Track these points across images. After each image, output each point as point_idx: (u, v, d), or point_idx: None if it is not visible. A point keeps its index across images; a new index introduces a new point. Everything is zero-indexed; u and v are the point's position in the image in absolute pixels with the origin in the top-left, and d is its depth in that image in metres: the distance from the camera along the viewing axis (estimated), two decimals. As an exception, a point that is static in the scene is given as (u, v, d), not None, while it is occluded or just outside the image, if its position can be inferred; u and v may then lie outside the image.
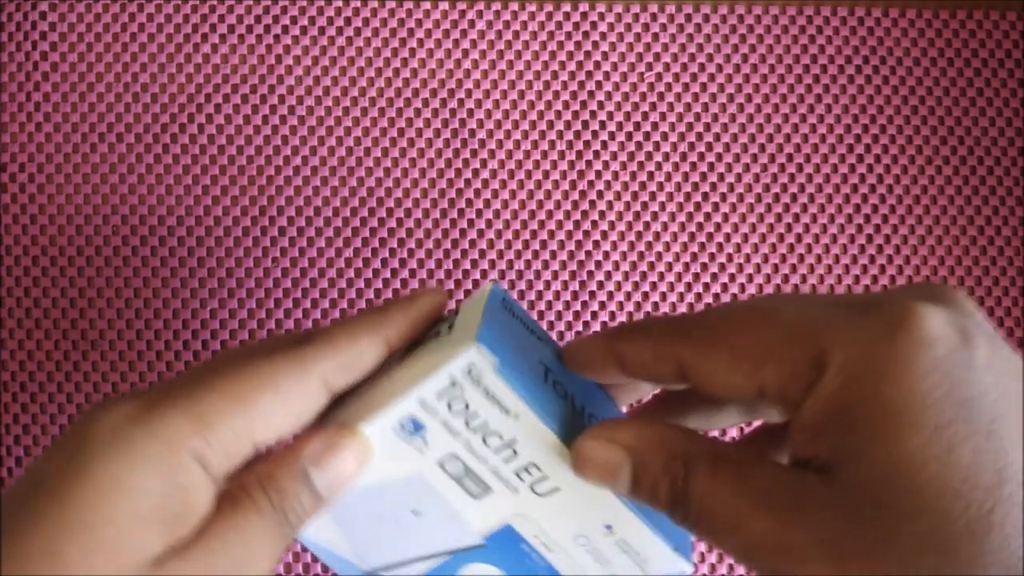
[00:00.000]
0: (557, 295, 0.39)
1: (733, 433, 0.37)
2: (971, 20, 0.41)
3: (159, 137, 0.39)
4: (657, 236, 0.39)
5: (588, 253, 0.39)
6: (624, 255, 0.39)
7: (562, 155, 0.39)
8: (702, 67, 0.40)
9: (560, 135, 0.39)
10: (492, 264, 0.39)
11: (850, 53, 0.41)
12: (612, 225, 0.39)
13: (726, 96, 0.40)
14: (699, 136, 0.40)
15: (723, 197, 0.40)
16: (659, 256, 0.39)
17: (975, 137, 0.40)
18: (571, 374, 0.25)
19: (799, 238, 0.40)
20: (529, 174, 0.39)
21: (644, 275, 0.39)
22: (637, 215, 0.39)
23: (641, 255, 0.39)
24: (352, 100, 0.39)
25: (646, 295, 0.39)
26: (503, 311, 0.24)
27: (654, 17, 0.40)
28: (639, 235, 0.39)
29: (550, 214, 0.39)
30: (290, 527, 0.22)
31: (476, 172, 0.39)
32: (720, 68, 0.40)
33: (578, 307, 0.39)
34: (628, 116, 0.40)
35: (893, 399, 0.18)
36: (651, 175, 0.40)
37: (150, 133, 0.39)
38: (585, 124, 0.40)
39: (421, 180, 0.39)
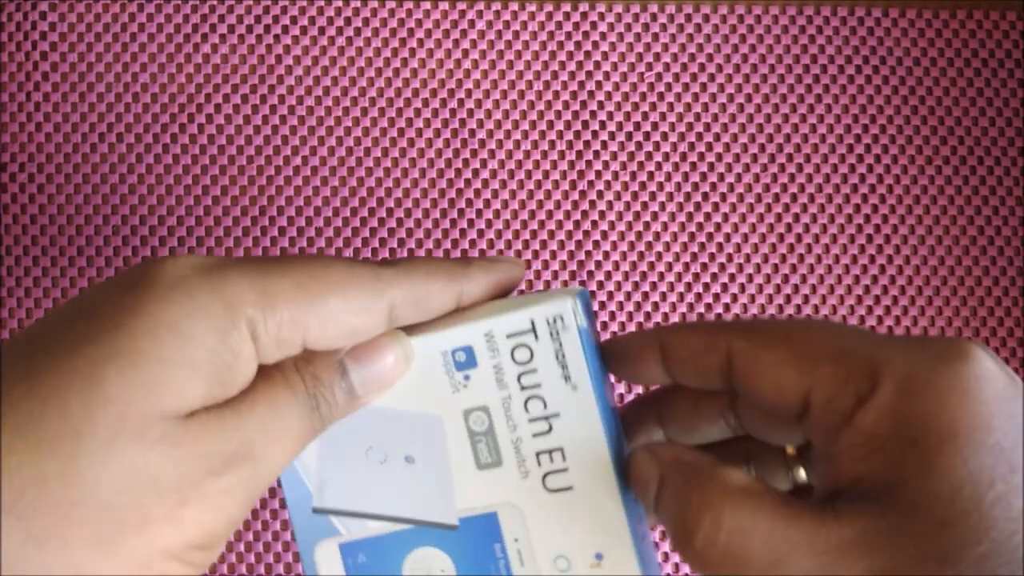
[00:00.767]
0: (557, 295, 0.39)
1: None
2: (971, 20, 0.41)
3: (159, 137, 0.39)
4: (657, 236, 0.39)
5: (588, 253, 0.39)
6: (624, 255, 0.39)
7: (562, 155, 0.39)
8: (702, 67, 0.40)
9: (560, 135, 0.39)
10: (492, 264, 0.39)
11: (850, 53, 0.41)
12: (612, 225, 0.39)
13: (726, 96, 0.40)
14: (699, 136, 0.40)
15: (723, 197, 0.40)
16: (659, 256, 0.39)
17: (975, 137, 0.40)
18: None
19: (799, 238, 0.40)
20: (529, 174, 0.39)
21: (644, 275, 0.39)
22: (637, 215, 0.39)
23: (641, 255, 0.39)
24: (352, 100, 0.39)
25: (646, 295, 0.39)
26: (589, 307, 0.23)
27: (654, 17, 0.40)
28: (639, 235, 0.39)
29: (550, 214, 0.39)
30: (320, 419, 0.21)
31: (476, 172, 0.39)
32: (720, 68, 0.40)
33: (578, 307, 0.39)
34: (628, 116, 0.40)
35: (959, 418, 0.18)
36: (651, 175, 0.40)
37: (150, 133, 0.39)
38: (585, 124, 0.40)
39: (421, 180, 0.39)
